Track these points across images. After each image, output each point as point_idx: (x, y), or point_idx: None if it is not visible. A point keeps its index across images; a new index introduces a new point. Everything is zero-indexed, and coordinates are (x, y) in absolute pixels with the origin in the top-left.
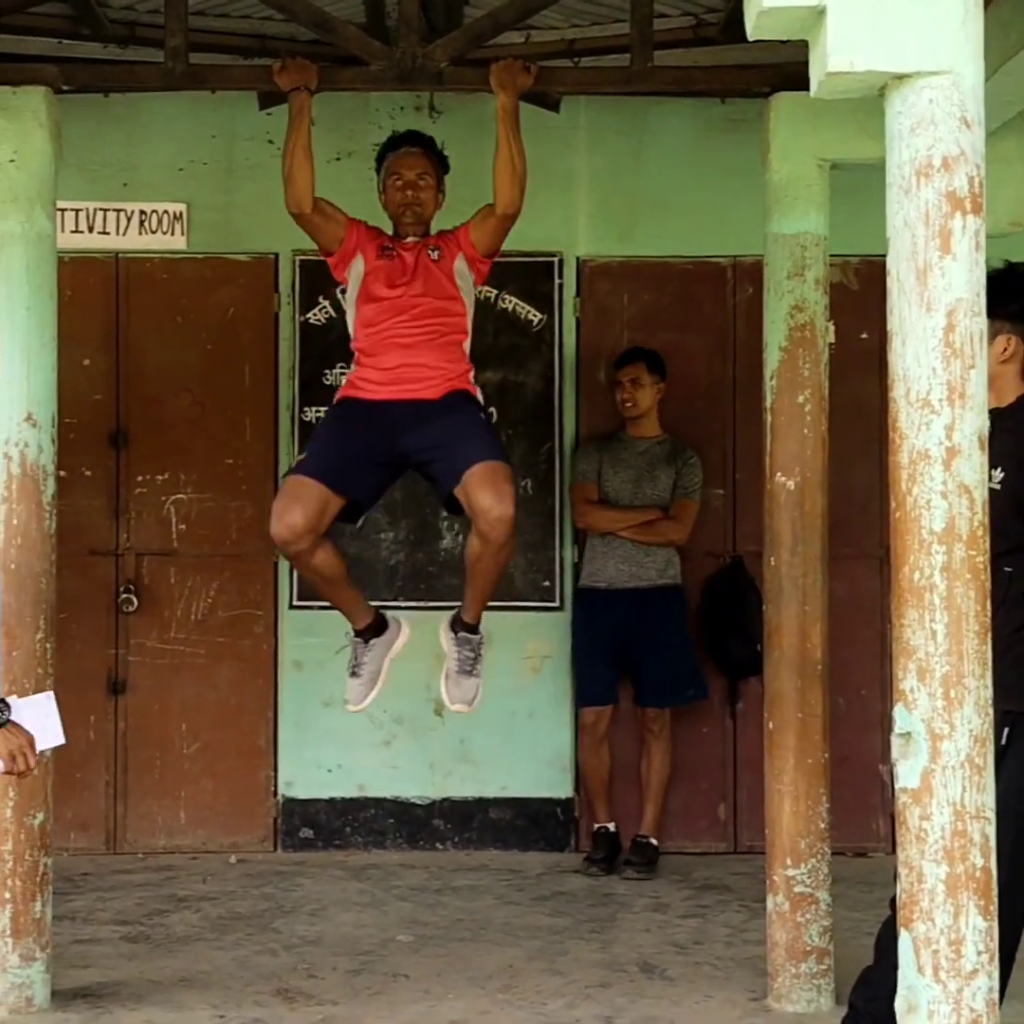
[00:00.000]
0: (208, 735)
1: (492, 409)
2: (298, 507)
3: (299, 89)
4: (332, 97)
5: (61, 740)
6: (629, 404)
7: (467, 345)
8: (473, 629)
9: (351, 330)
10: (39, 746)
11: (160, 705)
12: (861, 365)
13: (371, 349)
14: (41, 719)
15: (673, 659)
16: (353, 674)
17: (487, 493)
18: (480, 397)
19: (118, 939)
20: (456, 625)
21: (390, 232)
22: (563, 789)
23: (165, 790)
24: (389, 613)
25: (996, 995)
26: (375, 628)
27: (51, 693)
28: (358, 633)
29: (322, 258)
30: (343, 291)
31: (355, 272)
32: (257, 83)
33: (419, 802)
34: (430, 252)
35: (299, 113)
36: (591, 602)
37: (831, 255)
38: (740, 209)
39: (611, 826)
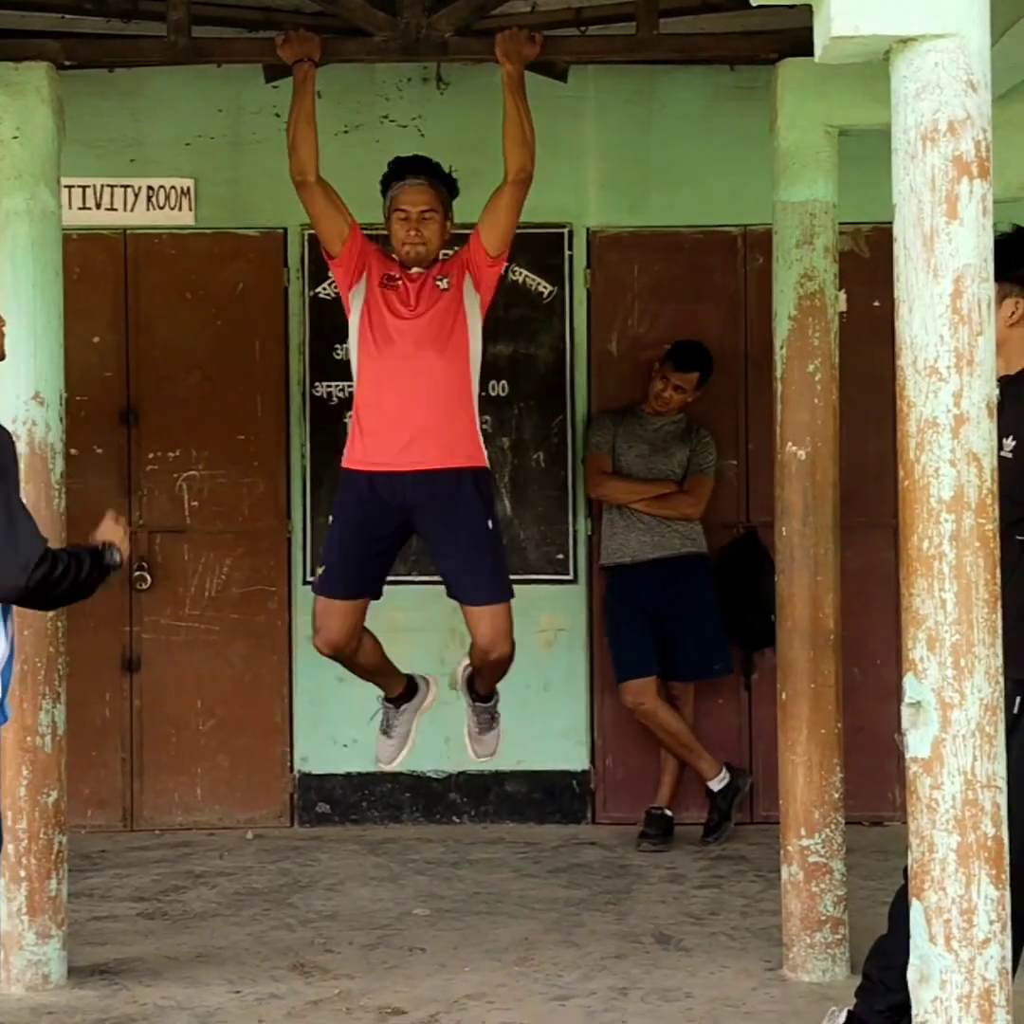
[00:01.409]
0: (223, 711)
1: (504, 382)
2: (333, 626)
3: (303, 61)
4: (338, 70)
5: None
6: (661, 402)
7: (475, 381)
8: (487, 699)
9: (353, 364)
10: None
11: (175, 682)
12: (874, 333)
13: (372, 397)
14: None
15: (701, 633)
16: (384, 733)
17: (485, 634)
18: (487, 463)
19: (135, 916)
20: (471, 691)
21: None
22: (579, 762)
23: (181, 767)
24: (419, 676)
25: (1009, 964)
26: (406, 694)
27: None
28: (389, 699)
29: None
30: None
31: (357, 298)
32: (261, 56)
33: (435, 776)
34: (438, 283)
35: (303, 84)
36: (619, 578)
37: (842, 223)
38: (750, 178)
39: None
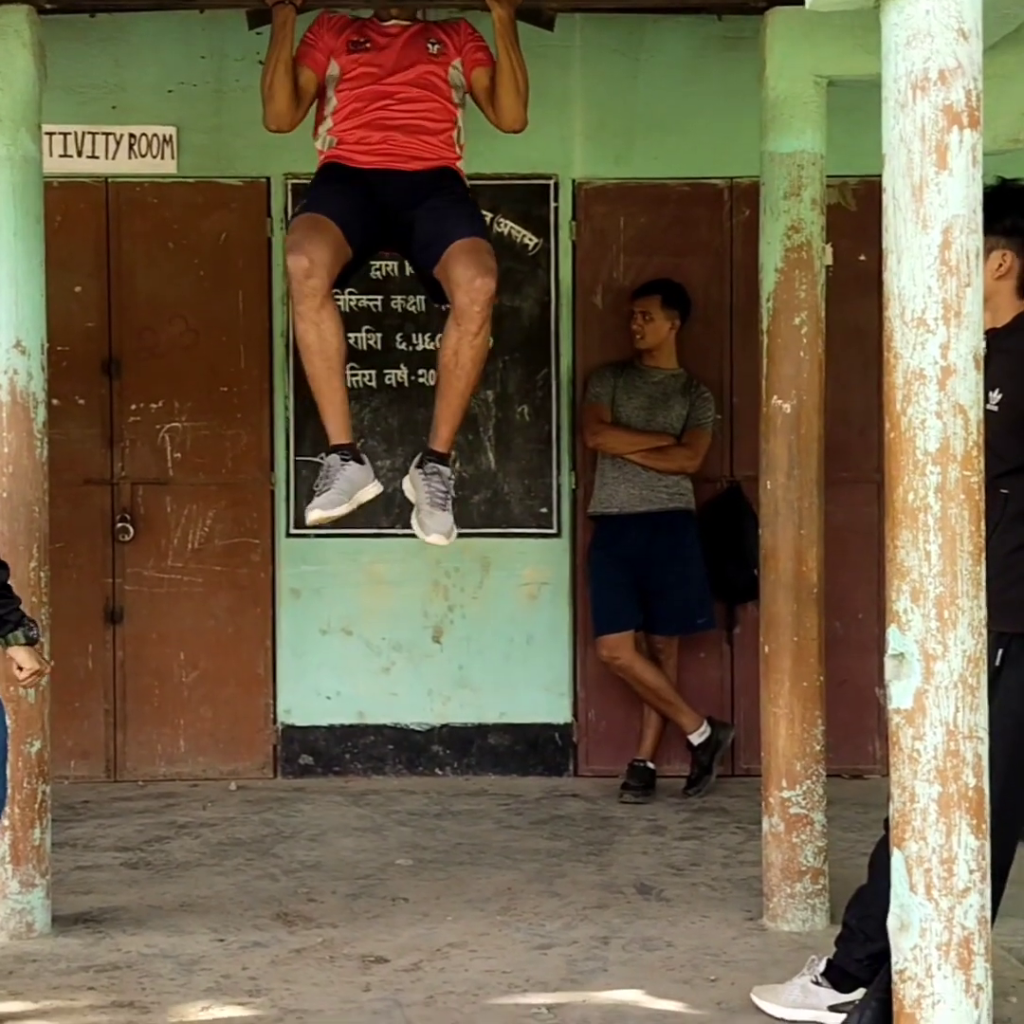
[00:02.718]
0: (207, 663)
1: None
2: (318, 237)
3: (283, 3)
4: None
5: None
6: (638, 336)
7: (460, 141)
8: (443, 459)
9: (327, 119)
10: None
11: (158, 634)
12: (860, 287)
13: (352, 129)
14: None
15: (684, 587)
16: (325, 488)
17: (468, 265)
18: (466, 184)
19: (118, 865)
20: (424, 460)
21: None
22: (561, 714)
23: (164, 718)
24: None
25: (988, 913)
26: (354, 454)
27: None
28: (336, 448)
29: None
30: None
31: (331, 76)
32: (243, 0)
33: (418, 728)
34: (430, 46)
35: (282, 28)
36: (604, 528)
37: (828, 176)
38: (738, 129)
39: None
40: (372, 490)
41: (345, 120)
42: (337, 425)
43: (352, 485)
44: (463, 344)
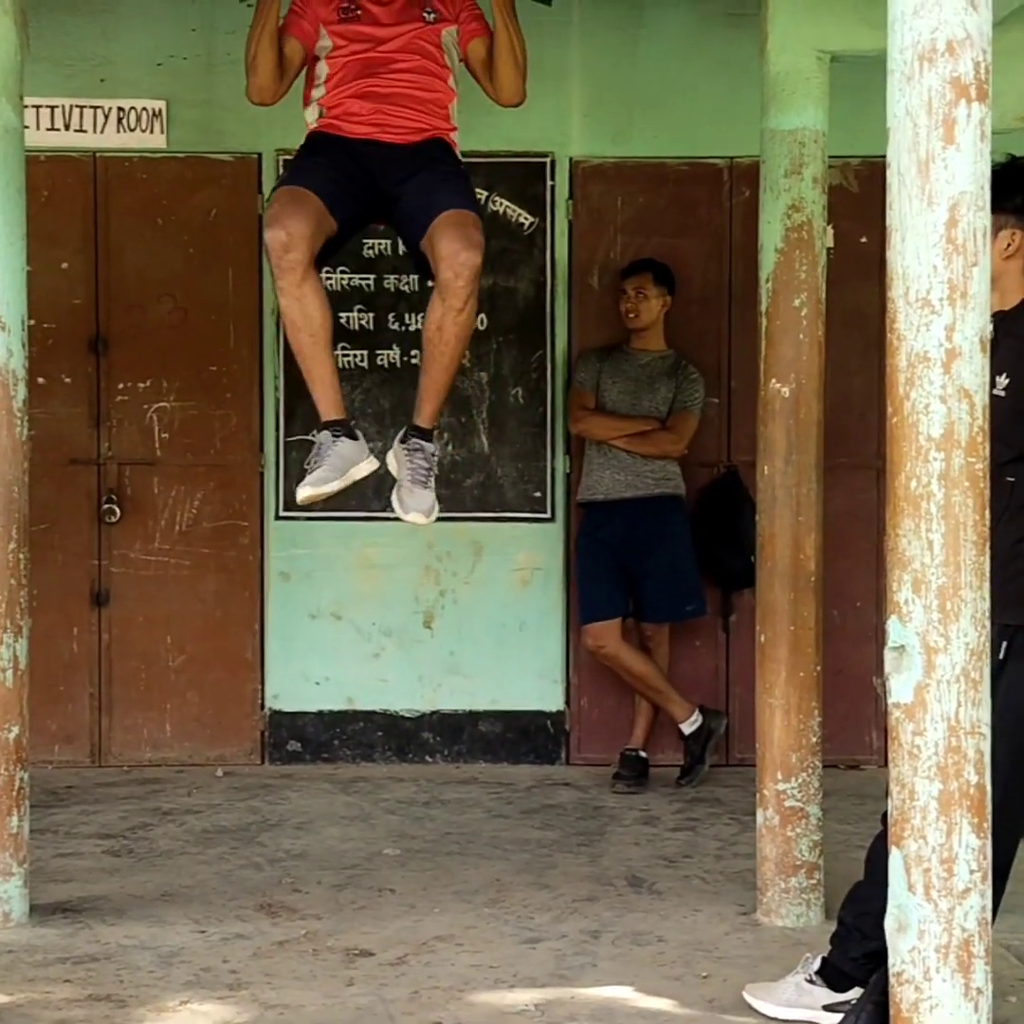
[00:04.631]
0: (194, 647)
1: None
2: (297, 209)
3: None
4: None
5: None
6: (632, 315)
7: (454, 111)
8: (426, 435)
9: (319, 87)
10: None
11: (144, 617)
12: (861, 270)
13: (343, 98)
14: None
15: (672, 573)
16: (316, 465)
17: (454, 238)
18: (459, 156)
19: (100, 853)
20: (407, 434)
21: None
22: (553, 702)
23: (150, 703)
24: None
25: (988, 914)
26: (347, 430)
27: None
28: (327, 425)
29: None
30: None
31: (321, 46)
32: None
33: (408, 715)
34: (426, 14)
35: None
36: (591, 515)
37: (830, 156)
38: (738, 108)
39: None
40: (367, 466)
41: (335, 89)
42: (327, 401)
43: (344, 461)
44: (447, 320)
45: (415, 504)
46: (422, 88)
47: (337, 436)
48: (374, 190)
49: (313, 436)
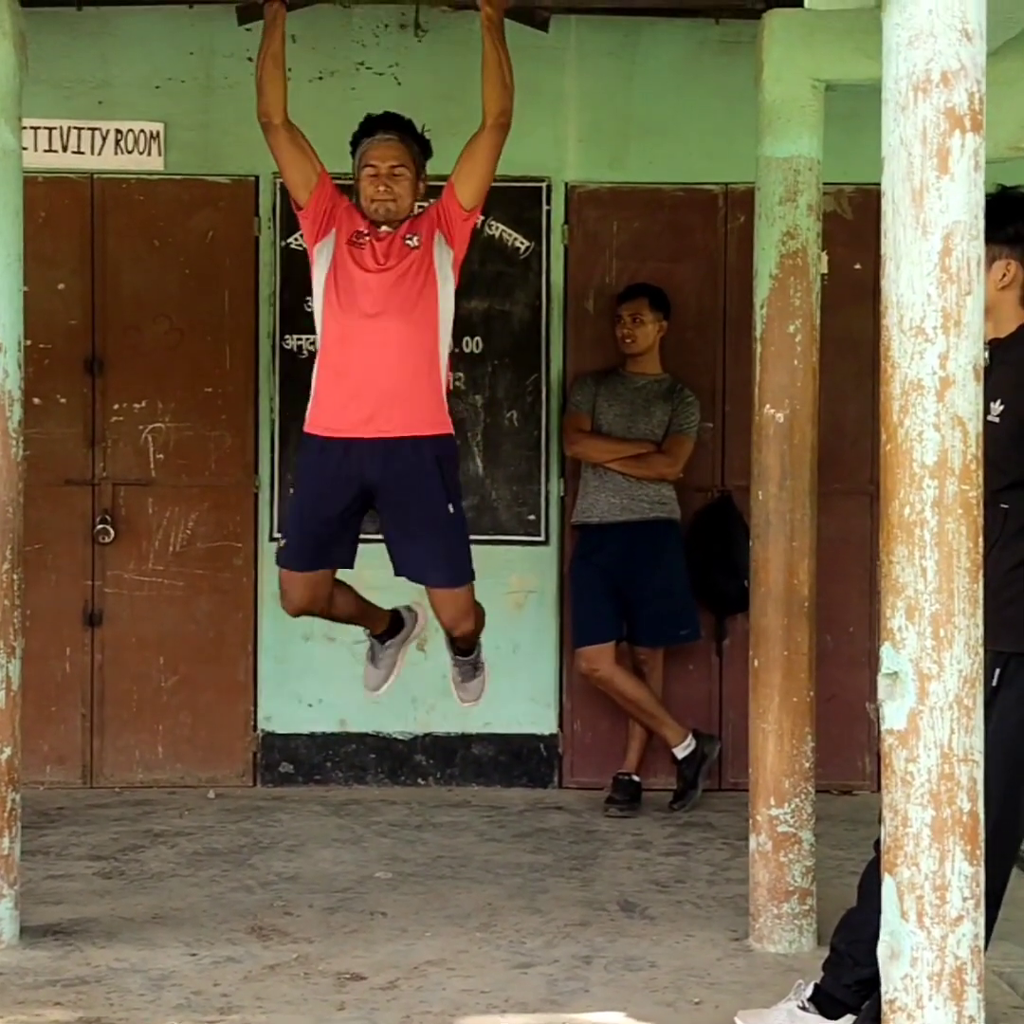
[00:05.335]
0: (187, 668)
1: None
2: (297, 594)
3: (274, 0)
4: (313, 14)
5: None
6: (628, 340)
7: (446, 343)
8: (467, 652)
9: (317, 322)
10: None
11: (137, 638)
12: (854, 296)
13: (337, 358)
14: None
15: (666, 597)
16: (371, 662)
17: (448, 615)
18: (451, 430)
19: (91, 875)
20: (452, 647)
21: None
22: (547, 725)
23: (143, 724)
24: (404, 607)
25: (981, 942)
26: (392, 629)
27: None
28: (375, 635)
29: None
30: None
31: (323, 254)
32: None
33: (401, 737)
34: (407, 241)
35: (272, 24)
36: (585, 538)
37: (824, 183)
38: (733, 135)
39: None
40: (418, 630)
41: (328, 363)
42: (371, 626)
43: (394, 656)
44: (454, 638)
45: (468, 697)
46: (413, 333)
47: (384, 642)
48: (365, 497)
49: (365, 634)
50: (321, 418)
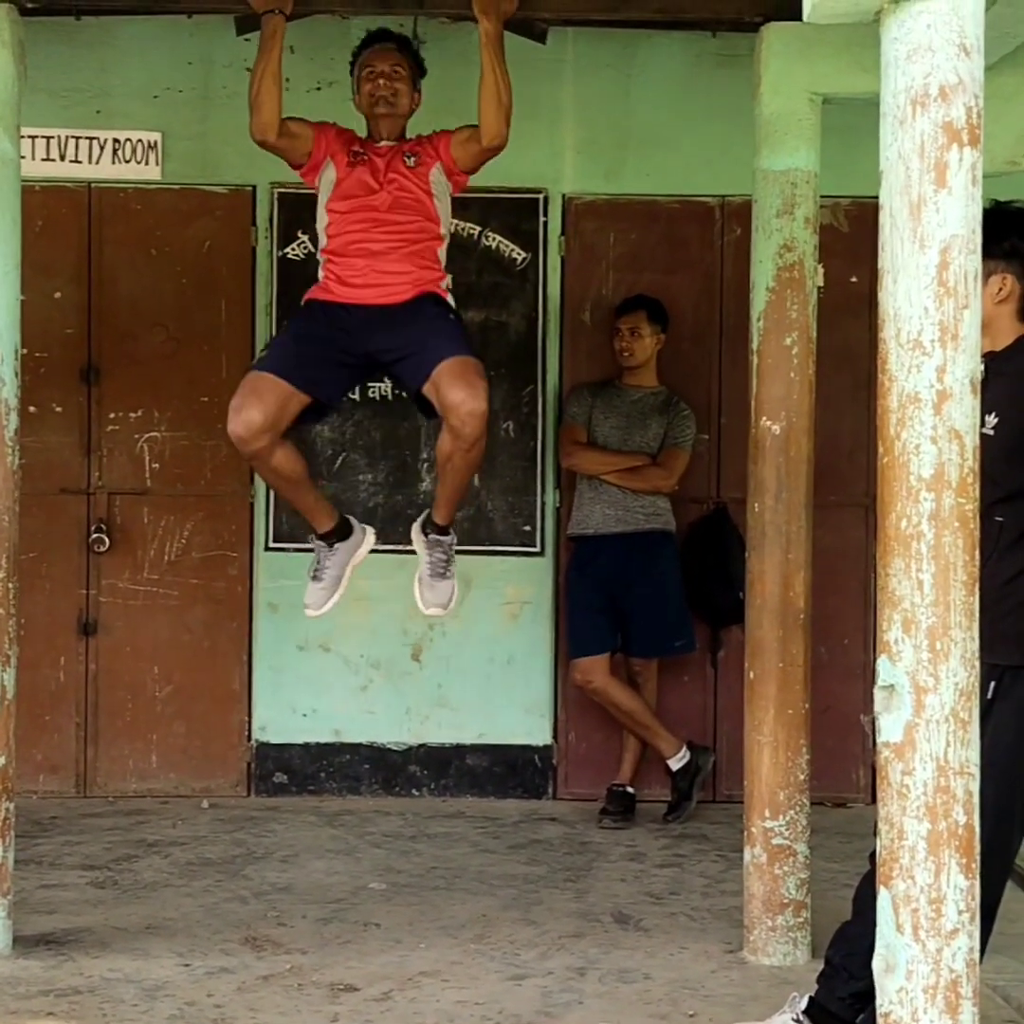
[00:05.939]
0: (181, 678)
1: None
2: (257, 403)
3: (273, 12)
4: (312, 25)
5: None
6: (626, 354)
7: (443, 251)
8: (444, 530)
9: (319, 234)
10: None
11: (132, 647)
12: (851, 309)
13: (340, 251)
14: None
15: (661, 609)
16: (315, 578)
17: (458, 388)
18: (451, 301)
19: (84, 884)
20: (427, 527)
21: (364, 134)
22: (541, 736)
23: (137, 733)
24: (355, 521)
25: (977, 955)
26: (340, 532)
27: None
28: (321, 536)
29: (301, 192)
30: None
31: (326, 179)
32: (231, 5)
33: (395, 748)
34: (406, 159)
35: (271, 37)
36: (581, 549)
37: (821, 196)
38: (730, 147)
39: (629, 787)
40: (365, 547)
41: (335, 239)
42: (317, 520)
43: (340, 567)
44: (457, 455)
45: (434, 598)
46: (413, 240)
47: (331, 544)
48: (361, 353)
49: (310, 542)
50: (320, 292)
